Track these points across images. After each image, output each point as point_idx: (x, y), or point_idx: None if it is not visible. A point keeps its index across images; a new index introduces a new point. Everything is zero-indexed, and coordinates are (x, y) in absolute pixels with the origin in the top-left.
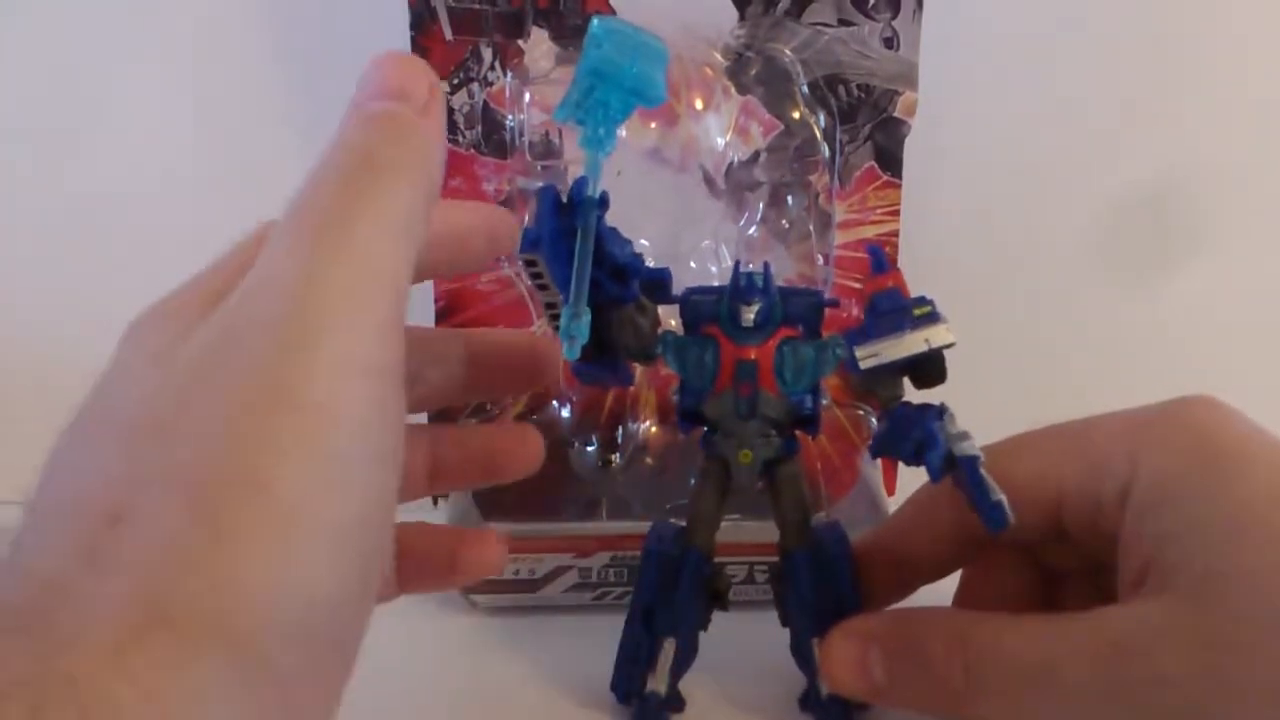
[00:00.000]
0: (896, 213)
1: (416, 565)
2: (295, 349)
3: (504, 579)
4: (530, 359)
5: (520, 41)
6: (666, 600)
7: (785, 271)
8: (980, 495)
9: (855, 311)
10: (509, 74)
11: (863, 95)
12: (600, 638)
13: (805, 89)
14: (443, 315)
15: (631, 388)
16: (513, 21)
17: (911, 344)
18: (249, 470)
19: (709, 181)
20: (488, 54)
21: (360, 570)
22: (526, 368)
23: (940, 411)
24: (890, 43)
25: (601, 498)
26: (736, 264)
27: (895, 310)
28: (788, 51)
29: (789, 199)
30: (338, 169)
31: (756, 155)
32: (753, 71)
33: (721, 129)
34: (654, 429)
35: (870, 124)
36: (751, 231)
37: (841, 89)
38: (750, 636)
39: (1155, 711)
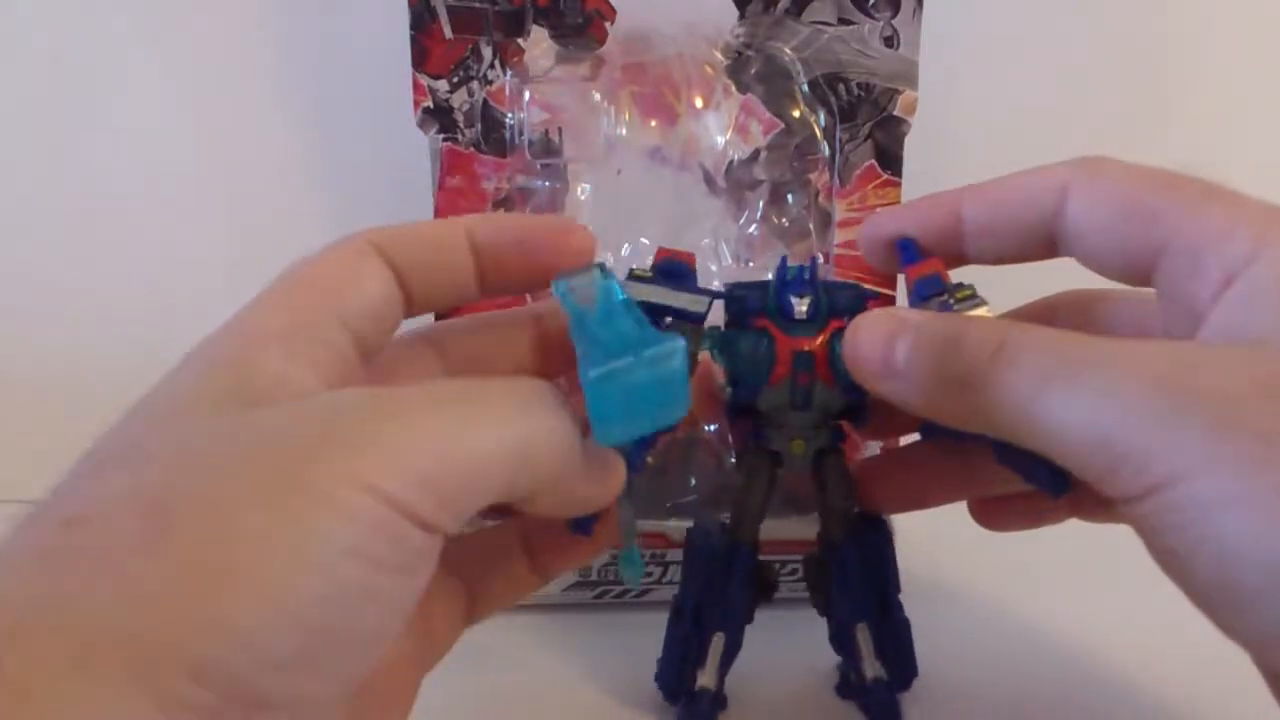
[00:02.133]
0: None
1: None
2: (332, 446)
3: None
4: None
5: (520, 40)
6: (716, 596)
7: None
8: (1046, 466)
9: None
10: (509, 72)
11: (863, 94)
12: (599, 636)
13: (805, 87)
14: (442, 314)
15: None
16: (513, 20)
17: None
18: (220, 503)
19: (709, 180)
20: (487, 52)
21: (304, 643)
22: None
23: None
24: (890, 41)
25: None
26: (784, 259)
27: (939, 294)
28: (788, 50)
29: (789, 197)
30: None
31: (756, 153)
32: (753, 70)
33: (721, 127)
34: None
35: (870, 122)
36: (751, 230)
37: (841, 87)
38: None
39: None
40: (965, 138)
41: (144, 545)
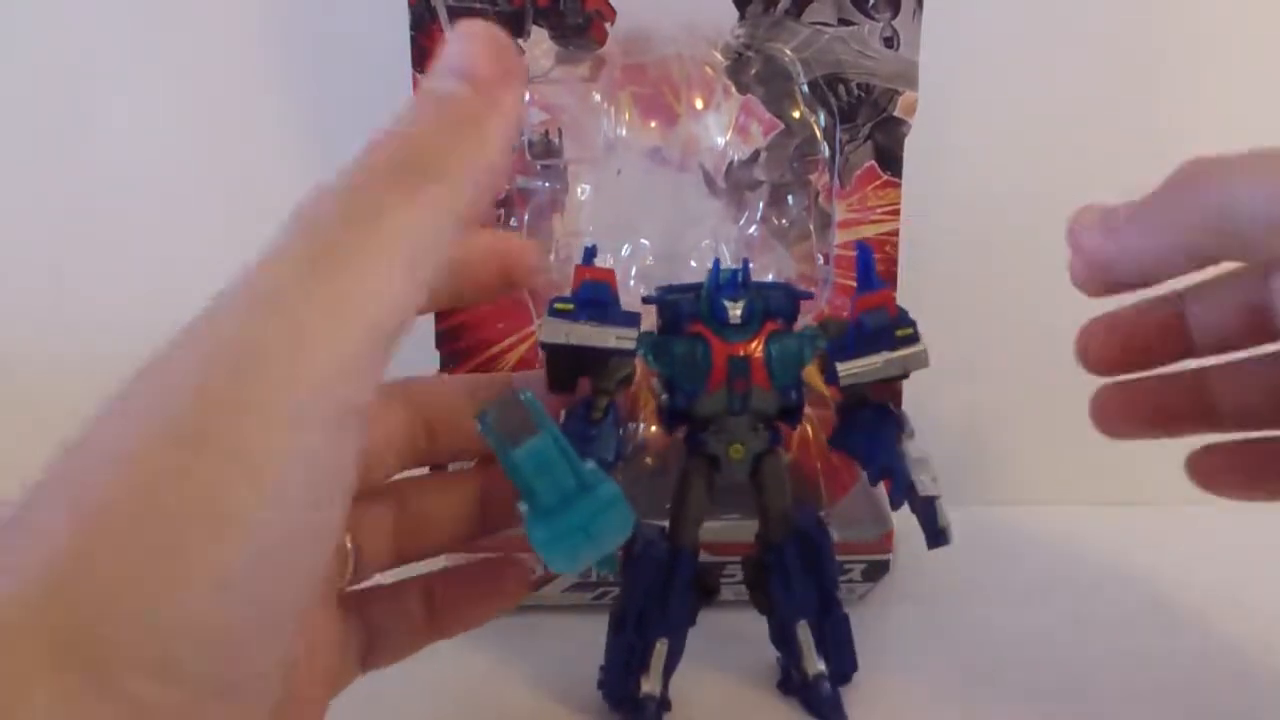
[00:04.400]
0: (896, 212)
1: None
2: (228, 390)
3: None
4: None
5: (520, 41)
6: (660, 602)
7: (786, 271)
8: (930, 525)
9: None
10: None
11: (863, 94)
12: (599, 638)
13: (805, 88)
14: (441, 315)
15: (630, 388)
16: (513, 20)
17: (889, 368)
18: (137, 492)
19: (709, 181)
20: None
21: (256, 618)
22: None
23: (901, 423)
24: (890, 42)
25: None
26: (716, 262)
27: (880, 330)
28: (788, 51)
29: (789, 198)
30: (380, 159)
31: (756, 154)
32: (753, 71)
33: (721, 128)
34: (654, 428)
35: (870, 123)
36: (751, 231)
37: (841, 88)
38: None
39: None
40: (965, 139)
41: (76, 545)
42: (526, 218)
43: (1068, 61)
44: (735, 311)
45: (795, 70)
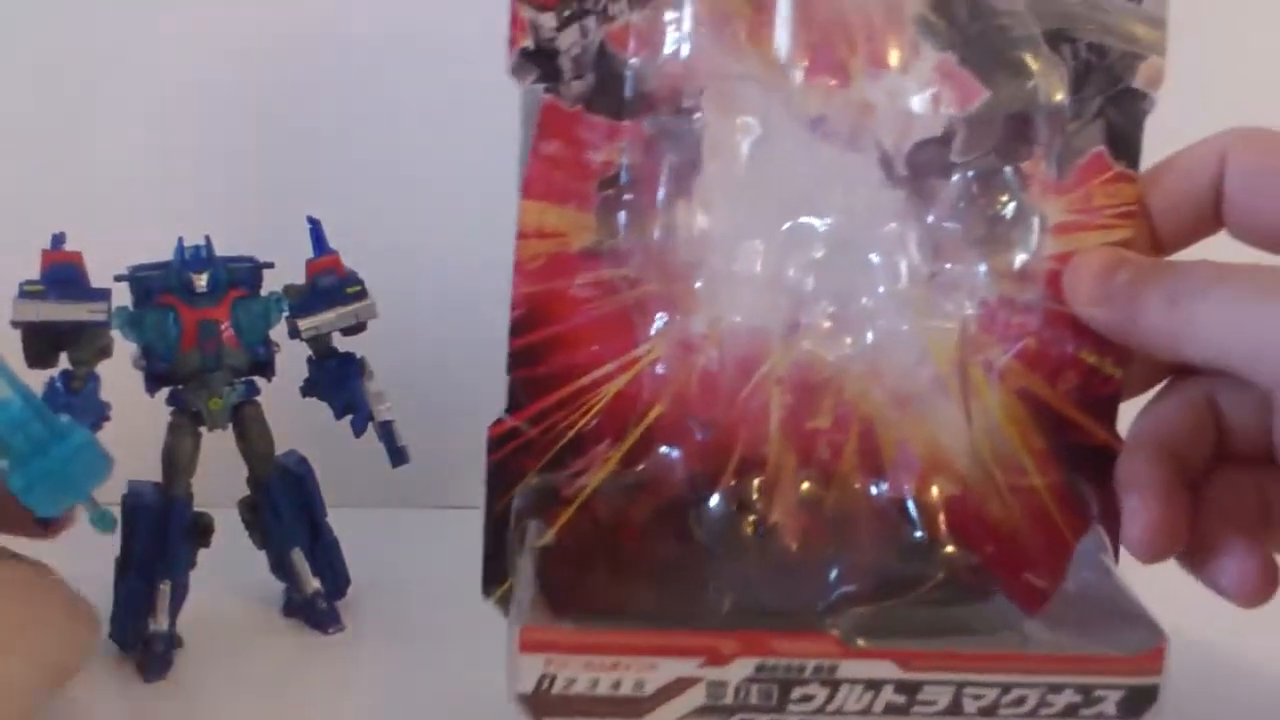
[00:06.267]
0: (1131, 214)
1: None
2: None
3: (597, 696)
4: None
5: None
6: (158, 549)
7: (980, 290)
8: (391, 444)
9: None
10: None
11: (1094, 58)
12: None
13: (1028, 46)
14: (519, 328)
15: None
16: None
17: (343, 319)
18: None
19: (886, 164)
20: None
21: None
22: None
23: (361, 368)
24: None
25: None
26: (179, 240)
27: (332, 289)
28: None
29: (991, 192)
30: None
31: (951, 132)
32: (956, 19)
33: (908, 95)
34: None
35: (1102, 96)
36: (946, 227)
37: (1067, 49)
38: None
39: None
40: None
41: None
42: (661, 195)
43: None
44: (200, 281)
45: (1014, 21)
